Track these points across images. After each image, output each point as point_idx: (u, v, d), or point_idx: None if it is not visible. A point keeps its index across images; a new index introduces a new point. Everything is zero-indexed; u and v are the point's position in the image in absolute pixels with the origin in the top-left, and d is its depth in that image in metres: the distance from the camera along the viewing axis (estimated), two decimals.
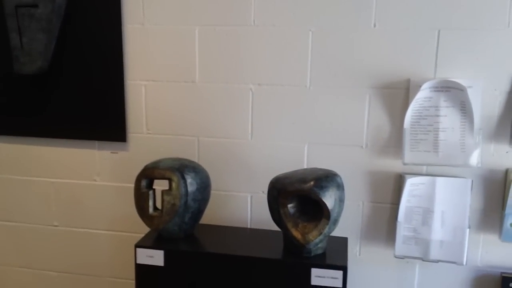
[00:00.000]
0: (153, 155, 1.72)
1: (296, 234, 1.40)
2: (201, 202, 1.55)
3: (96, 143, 1.87)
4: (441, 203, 1.60)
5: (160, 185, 1.53)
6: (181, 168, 1.50)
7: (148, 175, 1.50)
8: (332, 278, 1.38)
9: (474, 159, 1.55)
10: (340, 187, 1.41)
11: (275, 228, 1.51)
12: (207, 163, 1.73)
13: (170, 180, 1.47)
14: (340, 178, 1.43)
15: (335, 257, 1.45)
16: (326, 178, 1.38)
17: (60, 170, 1.93)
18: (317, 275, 1.39)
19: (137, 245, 1.50)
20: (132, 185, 1.56)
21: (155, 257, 1.48)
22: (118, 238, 1.92)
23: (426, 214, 1.61)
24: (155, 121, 1.81)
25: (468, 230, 1.59)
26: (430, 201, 1.60)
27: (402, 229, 1.63)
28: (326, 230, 1.38)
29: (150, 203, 1.51)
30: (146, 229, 1.61)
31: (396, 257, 1.66)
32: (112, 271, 1.96)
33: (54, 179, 1.94)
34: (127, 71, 1.79)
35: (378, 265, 1.73)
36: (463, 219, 1.58)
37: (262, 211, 1.74)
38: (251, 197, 1.77)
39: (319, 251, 1.45)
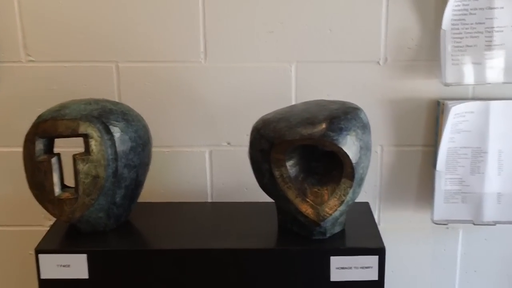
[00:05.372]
0: (43, 98, 1.45)
1: (305, 208, 1.20)
2: (139, 169, 1.32)
3: None
4: (497, 140, 1.48)
5: (67, 147, 1.27)
6: (103, 115, 1.25)
7: (46, 131, 1.25)
8: (362, 268, 1.23)
9: None
10: (366, 128, 1.21)
11: (246, 198, 1.48)
12: (136, 104, 1.42)
13: (86, 137, 1.23)
14: (365, 114, 1.24)
15: (361, 235, 1.29)
16: (346, 116, 1.18)
17: None
18: (340, 266, 1.23)
19: (39, 250, 1.25)
20: (14, 149, 1.37)
21: (73, 266, 1.25)
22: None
23: (477, 157, 1.49)
24: (40, 39, 1.52)
25: None
26: (482, 137, 1.48)
27: (443, 182, 1.51)
28: (349, 196, 1.20)
29: (55, 178, 1.26)
30: (49, 221, 1.43)
31: (435, 222, 1.54)
32: None
33: None
34: None
35: (407, 236, 1.62)
36: None
37: (227, 173, 1.60)
38: (210, 152, 1.59)
39: (337, 229, 1.27)
